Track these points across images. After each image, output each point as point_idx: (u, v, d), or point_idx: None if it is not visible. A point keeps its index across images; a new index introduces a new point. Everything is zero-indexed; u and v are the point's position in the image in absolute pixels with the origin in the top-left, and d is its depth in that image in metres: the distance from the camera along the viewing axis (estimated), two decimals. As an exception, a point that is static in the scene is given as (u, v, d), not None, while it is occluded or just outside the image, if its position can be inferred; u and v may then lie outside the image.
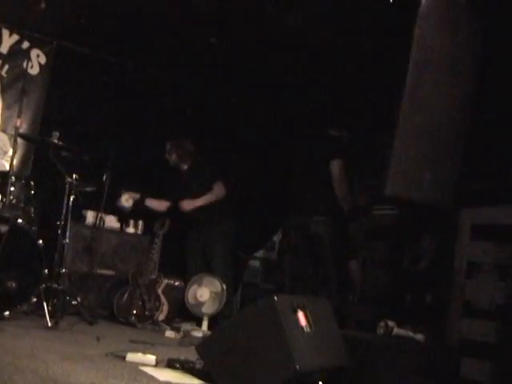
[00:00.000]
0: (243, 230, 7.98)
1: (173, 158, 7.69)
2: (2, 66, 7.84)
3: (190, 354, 4.68)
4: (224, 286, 6.86)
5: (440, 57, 4.56)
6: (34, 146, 7.64)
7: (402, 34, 4.67)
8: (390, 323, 5.08)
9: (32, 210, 6.13)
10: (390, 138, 4.56)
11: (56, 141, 6.14)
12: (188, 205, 7.37)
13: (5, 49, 7.85)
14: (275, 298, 3.82)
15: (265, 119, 8.76)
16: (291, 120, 8.55)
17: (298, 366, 3.65)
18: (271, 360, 3.77)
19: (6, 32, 7.85)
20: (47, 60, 8.04)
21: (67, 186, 6.20)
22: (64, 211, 6.20)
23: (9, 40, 7.88)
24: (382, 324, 5.10)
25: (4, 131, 7.77)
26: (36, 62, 7.89)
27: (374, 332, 5.13)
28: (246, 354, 3.87)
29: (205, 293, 6.88)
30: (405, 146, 4.48)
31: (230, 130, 8.77)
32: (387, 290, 7.03)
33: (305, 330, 3.96)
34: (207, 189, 7.44)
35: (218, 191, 7.46)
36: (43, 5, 5.97)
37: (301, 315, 3.97)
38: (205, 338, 4.58)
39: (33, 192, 6.19)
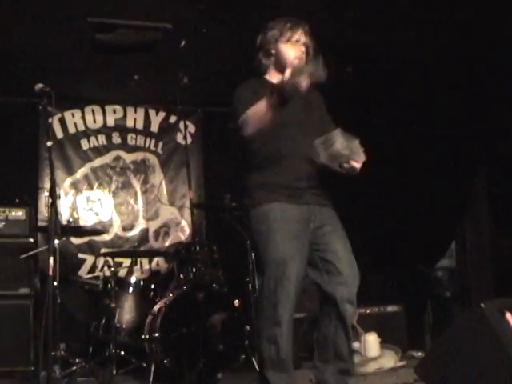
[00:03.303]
0: (421, 243, 7.97)
1: None
2: (157, 143, 8.25)
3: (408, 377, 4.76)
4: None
5: None
6: (205, 211, 7.95)
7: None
8: None
9: (220, 272, 6.35)
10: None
11: (229, 203, 6.36)
12: None
13: (155, 128, 8.27)
14: (482, 305, 3.85)
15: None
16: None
17: (520, 367, 3.67)
18: (490, 366, 3.79)
19: (152, 112, 8.28)
20: (196, 128, 8.38)
21: (248, 243, 6.40)
22: (250, 267, 6.40)
23: (156, 118, 8.30)
24: None
25: (172, 204, 8.12)
26: (186, 132, 8.18)
27: None
28: (463, 366, 3.91)
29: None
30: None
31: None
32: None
33: (516, 330, 3.97)
34: None
35: None
36: (186, 79, 6.20)
37: (509, 316, 3.97)
38: (420, 360, 4.61)
39: (216, 256, 6.41)
